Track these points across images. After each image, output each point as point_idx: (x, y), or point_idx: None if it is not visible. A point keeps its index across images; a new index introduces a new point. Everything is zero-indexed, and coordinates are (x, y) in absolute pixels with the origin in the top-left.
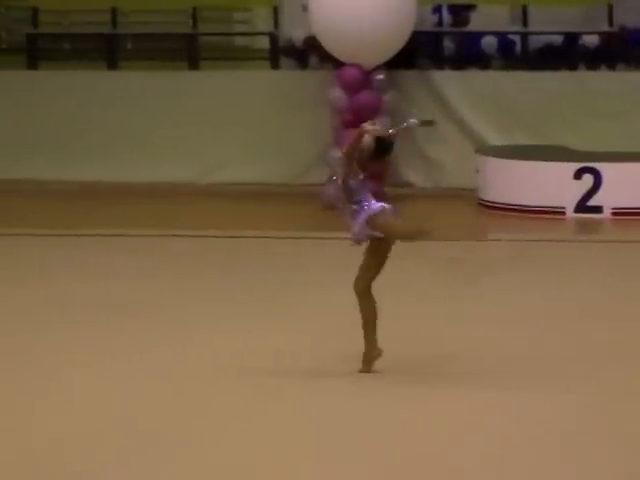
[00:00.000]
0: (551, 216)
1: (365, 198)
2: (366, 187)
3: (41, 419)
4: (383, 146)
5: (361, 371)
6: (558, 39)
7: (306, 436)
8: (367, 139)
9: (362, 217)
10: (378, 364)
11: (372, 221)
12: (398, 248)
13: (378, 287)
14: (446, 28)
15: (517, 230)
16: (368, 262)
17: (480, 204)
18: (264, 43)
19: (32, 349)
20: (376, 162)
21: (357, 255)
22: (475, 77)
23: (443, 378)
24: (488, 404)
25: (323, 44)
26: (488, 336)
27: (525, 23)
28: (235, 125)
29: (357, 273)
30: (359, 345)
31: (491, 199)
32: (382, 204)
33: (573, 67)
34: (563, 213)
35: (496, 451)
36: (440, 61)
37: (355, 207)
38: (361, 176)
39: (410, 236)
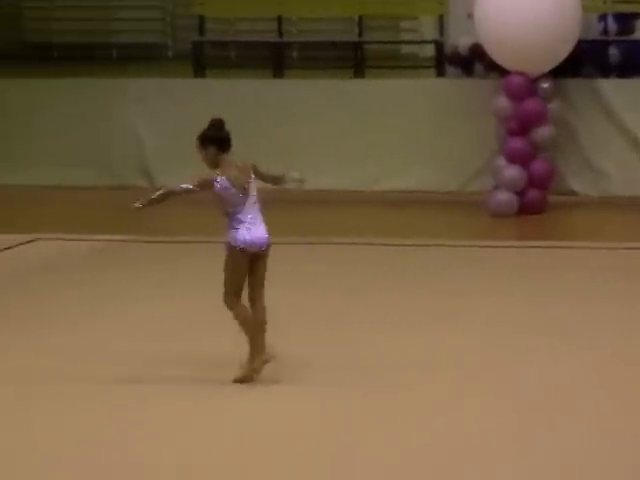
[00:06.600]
0: None
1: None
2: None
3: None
4: None
5: (235, 380)
6: None
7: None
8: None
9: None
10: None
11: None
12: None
13: None
14: (612, 36)
15: None
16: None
17: None
18: (430, 51)
19: None
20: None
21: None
22: None
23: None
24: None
25: (488, 52)
26: None
27: None
28: (400, 133)
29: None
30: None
31: None
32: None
33: None
34: None
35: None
36: (605, 69)
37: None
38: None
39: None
